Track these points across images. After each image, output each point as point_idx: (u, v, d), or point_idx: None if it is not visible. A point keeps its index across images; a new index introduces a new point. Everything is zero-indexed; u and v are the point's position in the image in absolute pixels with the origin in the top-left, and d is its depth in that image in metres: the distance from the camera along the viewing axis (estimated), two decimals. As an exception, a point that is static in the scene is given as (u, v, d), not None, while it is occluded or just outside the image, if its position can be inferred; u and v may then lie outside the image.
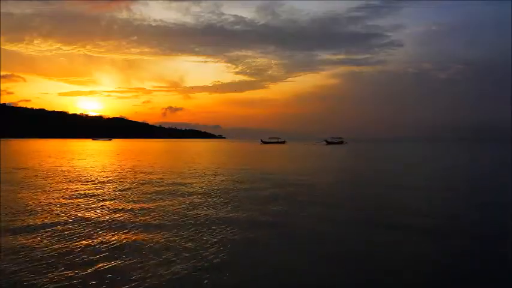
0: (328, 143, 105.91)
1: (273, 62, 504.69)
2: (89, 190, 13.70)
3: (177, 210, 10.08)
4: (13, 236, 7.31)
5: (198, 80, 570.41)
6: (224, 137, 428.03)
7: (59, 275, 5.37)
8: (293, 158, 39.09)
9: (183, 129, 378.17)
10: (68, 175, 18.67)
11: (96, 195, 12.48)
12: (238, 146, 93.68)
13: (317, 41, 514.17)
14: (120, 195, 12.70)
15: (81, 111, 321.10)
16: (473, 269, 6.10)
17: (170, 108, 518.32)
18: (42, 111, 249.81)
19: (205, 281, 5.25)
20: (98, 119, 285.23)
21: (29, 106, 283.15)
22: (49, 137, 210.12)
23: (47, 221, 8.60)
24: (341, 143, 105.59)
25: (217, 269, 5.73)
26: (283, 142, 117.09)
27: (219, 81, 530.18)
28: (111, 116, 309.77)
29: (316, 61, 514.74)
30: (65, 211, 9.82)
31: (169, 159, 33.55)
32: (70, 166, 24.42)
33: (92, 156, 37.12)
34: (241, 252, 6.58)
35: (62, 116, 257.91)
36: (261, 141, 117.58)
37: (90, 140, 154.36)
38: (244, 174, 20.14)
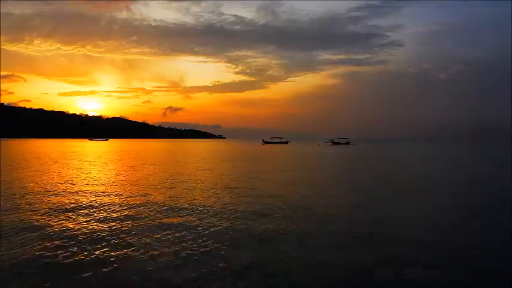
0: (334, 143, 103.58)
1: (273, 62, 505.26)
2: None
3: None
4: None
5: (198, 80, 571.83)
6: (224, 137, 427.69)
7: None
8: (307, 165, 33.33)
9: (183, 129, 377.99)
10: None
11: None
12: (238, 146, 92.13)
13: (317, 41, 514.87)
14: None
15: (81, 111, 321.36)
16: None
17: (170, 108, 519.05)
18: (41, 111, 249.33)
19: None
20: (97, 119, 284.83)
21: (30, 106, 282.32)
22: (48, 137, 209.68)
23: None
24: (347, 143, 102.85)
25: None
26: (286, 142, 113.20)
27: (219, 81, 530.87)
28: (110, 116, 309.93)
29: (316, 61, 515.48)
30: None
31: (147, 168, 23.62)
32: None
33: (52, 161, 29.16)
34: None
35: (61, 116, 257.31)
36: (263, 141, 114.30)
37: (87, 140, 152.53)
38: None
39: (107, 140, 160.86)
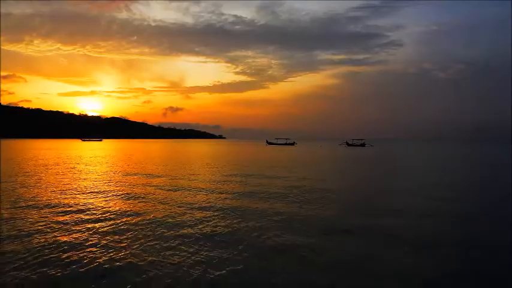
0: (349, 145, 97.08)
1: (273, 62, 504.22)
2: None
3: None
4: None
5: (198, 80, 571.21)
6: (224, 137, 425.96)
7: None
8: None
9: (183, 129, 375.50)
10: None
11: None
12: (240, 148, 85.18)
13: (317, 41, 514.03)
14: None
15: (81, 112, 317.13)
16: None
17: (171, 108, 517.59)
18: (39, 111, 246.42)
19: None
20: (96, 119, 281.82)
21: (30, 107, 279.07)
22: (46, 137, 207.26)
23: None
24: (363, 145, 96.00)
25: None
26: (292, 144, 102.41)
27: (219, 81, 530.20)
28: (109, 116, 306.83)
29: (316, 61, 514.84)
30: None
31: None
32: None
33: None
34: None
35: (59, 116, 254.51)
36: (267, 142, 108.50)
37: (79, 140, 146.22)
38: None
39: (100, 140, 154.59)
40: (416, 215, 10.97)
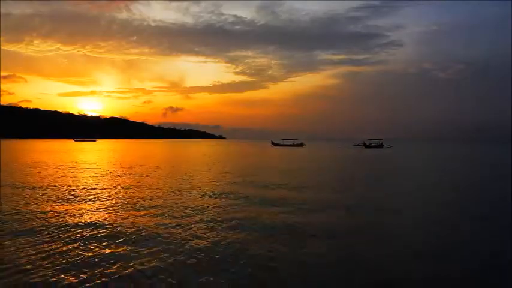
0: (367, 146, 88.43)
1: (273, 62, 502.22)
2: None
3: None
4: None
5: (198, 80, 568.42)
6: (224, 138, 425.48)
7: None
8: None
9: (183, 129, 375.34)
10: None
11: None
12: (242, 150, 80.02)
13: (317, 41, 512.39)
14: None
15: (80, 112, 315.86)
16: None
17: (171, 108, 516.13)
18: (37, 111, 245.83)
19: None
20: (95, 119, 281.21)
21: (30, 107, 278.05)
22: (45, 137, 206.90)
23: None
24: (381, 146, 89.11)
25: None
26: (300, 145, 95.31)
27: (219, 82, 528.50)
28: (108, 116, 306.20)
29: (316, 61, 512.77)
30: None
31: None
32: None
33: None
34: None
35: (58, 116, 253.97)
36: (272, 143, 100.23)
37: (72, 140, 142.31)
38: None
39: (94, 140, 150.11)
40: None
